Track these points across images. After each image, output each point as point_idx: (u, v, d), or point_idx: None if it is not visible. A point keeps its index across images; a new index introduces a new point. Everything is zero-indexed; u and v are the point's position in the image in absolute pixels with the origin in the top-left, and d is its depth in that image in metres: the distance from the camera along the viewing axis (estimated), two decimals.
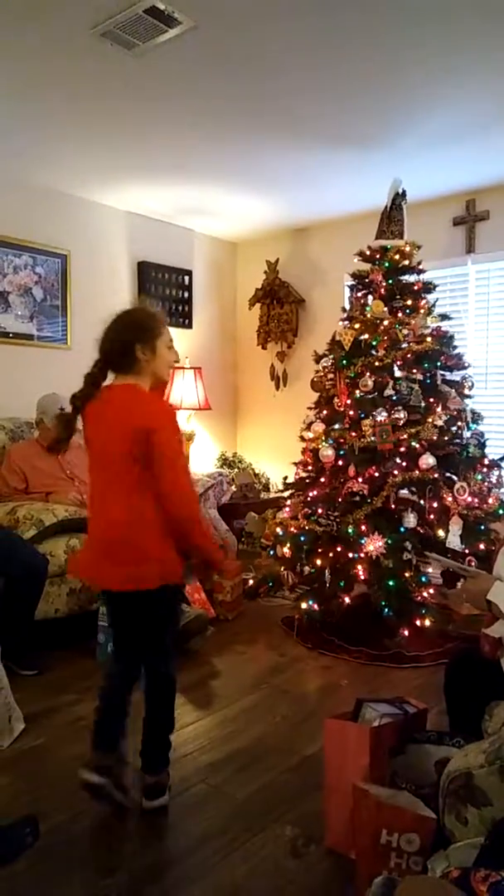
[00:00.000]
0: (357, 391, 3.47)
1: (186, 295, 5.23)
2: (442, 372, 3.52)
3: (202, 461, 5.24)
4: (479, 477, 3.39)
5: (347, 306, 3.87)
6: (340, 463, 3.45)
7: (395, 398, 3.38)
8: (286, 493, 3.87)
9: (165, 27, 2.53)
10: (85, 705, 2.74)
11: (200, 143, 3.61)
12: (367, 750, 1.80)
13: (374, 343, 3.51)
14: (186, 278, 5.21)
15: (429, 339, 3.46)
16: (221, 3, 2.39)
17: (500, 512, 3.37)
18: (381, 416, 3.31)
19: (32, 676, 2.97)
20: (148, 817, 2.01)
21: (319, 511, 3.51)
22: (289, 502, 3.76)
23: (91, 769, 1.98)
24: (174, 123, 3.37)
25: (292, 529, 3.54)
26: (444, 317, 3.62)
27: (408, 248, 3.62)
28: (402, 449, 3.29)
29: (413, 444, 3.27)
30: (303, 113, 3.25)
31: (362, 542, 3.19)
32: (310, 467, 3.67)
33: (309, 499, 3.58)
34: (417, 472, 3.24)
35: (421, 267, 3.66)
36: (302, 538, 3.48)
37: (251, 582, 4.05)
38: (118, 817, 2.00)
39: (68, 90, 3.04)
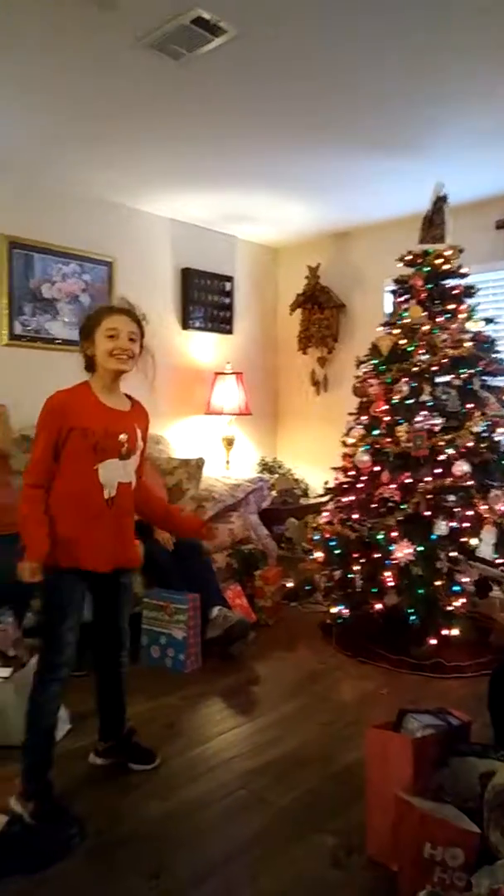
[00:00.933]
0: (394, 397, 3.46)
1: (228, 301, 5.26)
2: (483, 377, 3.48)
3: (242, 466, 5.26)
4: None
5: (388, 311, 3.86)
6: (377, 469, 3.44)
7: (430, 404, 3.36)
8: (325, 499, 3.87)
9: (211, 36, 2.56)
10: (130, 707, 2.76)
11: (243, 151, 3.64)
12: (410, 761, 1.79)
13: (409, 349, 3.50)
14: (228, 284, 5.25)
15: (467, 344, 3.42)
16: (265, 10, 2.41)
17: None
18: (416, 422, 3.29)
19: (77, 677, 3.02)
20: (189, 822, 2.04)
21: (355, 517, 3.51)
22: (328, 507, 3.76)
23: None
24: (218, 131, 3.40)
25: (326, 535, 3.56)
26: (487, 321, 3.57)
27: (448, 252, 3.58)
28: (438, 456, 3.26)
29: (448, 450, 3.24)
30: (345, 118, 3.25)
31: (391, 548, 3.18)
32: (349, 473, 3.66)
33: (345, 504, 3.59)
34: (450, 478, 3.20)
35: (462, 271, 3.62)
36: (332, 542, 3.49)
37: (290, 585, 4.06)
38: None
39: (114, 101, 3.10)
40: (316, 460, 5.22)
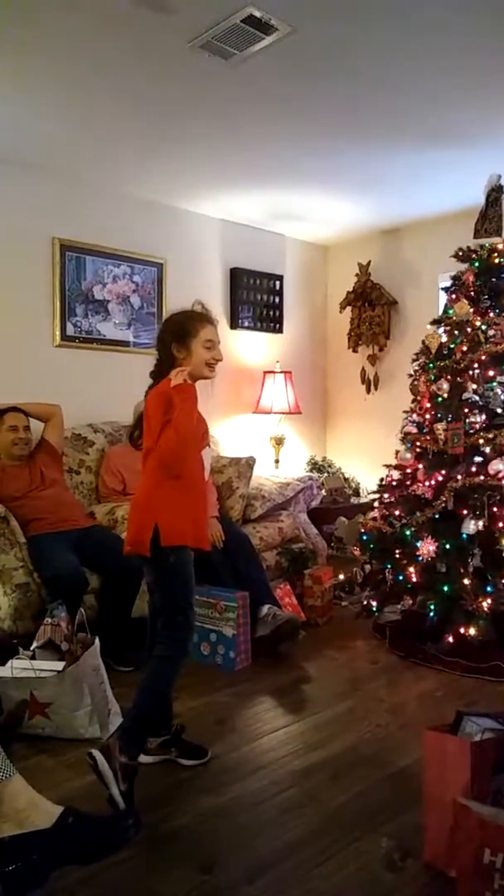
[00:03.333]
0: (438, 394, 3.44)
1: (277, 300, 5.25)
2: None
3: (292, 465, 5.24)
4: None
5: (441, 308, 3.79)
6: (421, 466, 3.44)
7: (471, 401, 3.32)
8: (374, 497, 3.84)
9: (262, 35, 2.56)
10: (179, 703, 2.78)
11: (293, 149, 3.63)
12: (469, 765, 1.74)
13: (452, 345, 3.46)
14: (277, 283, 5.24)
15: None
16: (316, 7, 2.40)
17: None
18: (452, 420, 3.29)
19: (129, 673, 3.05)
20: (241, 818, 2.03)
21: (397, 513, 3.51)
22: (375, 505, 3.75)
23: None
24: (268, 130, 3.40)
25: (362, 529, 3.62)
26: None
27: (502, 246, 3.48)
28: (478, 453, 3.21)
29: (486, 448, 3.19)
30: (395, 112, 3.20)
31: (418, 545, 3.20)
32: (403, 470, 3.62)
33: (388, 501, 3.60)
34: (482, 477, 3.15)
35: None
36: (365, 537, 3.53)
37: (342, 578, 4.03)
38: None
39: (165, 102, 3.12)
40: (366, 459, 5.16)
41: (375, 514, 3.67)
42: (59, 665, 2.47)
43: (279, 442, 5.00)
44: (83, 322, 4.17)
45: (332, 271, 5.67)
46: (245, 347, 5.09)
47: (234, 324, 4.98)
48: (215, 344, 2.23)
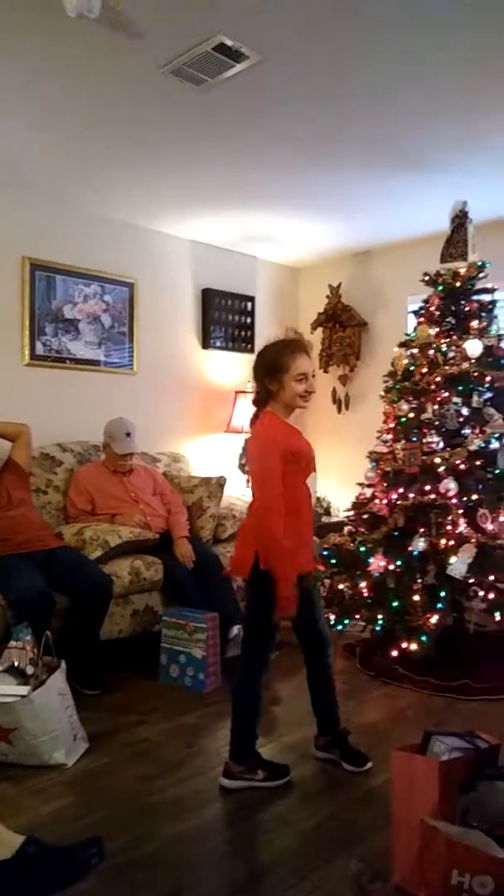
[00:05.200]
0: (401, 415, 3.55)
1: (249, 320, 5.28)
2: (490, 394, 3.44)
3: None
4: None
5: (410, 330, 3.86)
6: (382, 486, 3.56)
7: (429, 422, 3.42)
8: (347, 514, 3.89)
9: (233, 62, 2.60)
10: (148, 727, 2.76)
11: (264, 173, 3.67)
12: (437, 785, 1.74)
13: (412, 367, 3.54)
14: (249, 304, 5.27)
15: (467, 362, 3.39)
16: (285, 36, 2.44)
17: None
18: (410, 440, 3.43)
19: (96, 696, 3.01)
20: (210, 843, 1.99)
21: (360, 530, 3.61)
22: (347, 523, 3.82)
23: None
24: (239, 154, 3.44)
25: (324, 546, 3.70)
26: (499, 338, 3.52)
27: (463, 271, 3.56)
28: (432, 473, 3.31)
29: (442, 468, 3.28)
30: (366, 139, 3.26)
31: (370, 561, 3.34)
32: (369, 489, 3.70)
33: (352, 519, 3.71)
34: (434, 496, 3.24)
35: (478, 288, 3.59)
36: (325, 553, 3.62)
37: None
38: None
39: (137, 126, 3.15)
40: (337, 478, 5.18)
41: (345, 531, 3.72)
42: (24, 689, 2.41)
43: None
44: (53, 341, 4.15)
45: (303, 292, 5.72)
46: (216, 367, 5.11)
47: (206, 344, 4.99)
48: (308, 376, 2.30)
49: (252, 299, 5.30)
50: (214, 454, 5.02)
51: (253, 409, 2.40)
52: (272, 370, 2.30)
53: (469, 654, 3.32)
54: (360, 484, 3.75)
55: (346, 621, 3.52)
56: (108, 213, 4.32)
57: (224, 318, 5.09)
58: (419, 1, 2.25)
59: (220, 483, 4.06)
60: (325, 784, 2.34)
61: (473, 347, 3.38)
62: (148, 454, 4.29)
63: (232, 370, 5.20)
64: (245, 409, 4.90)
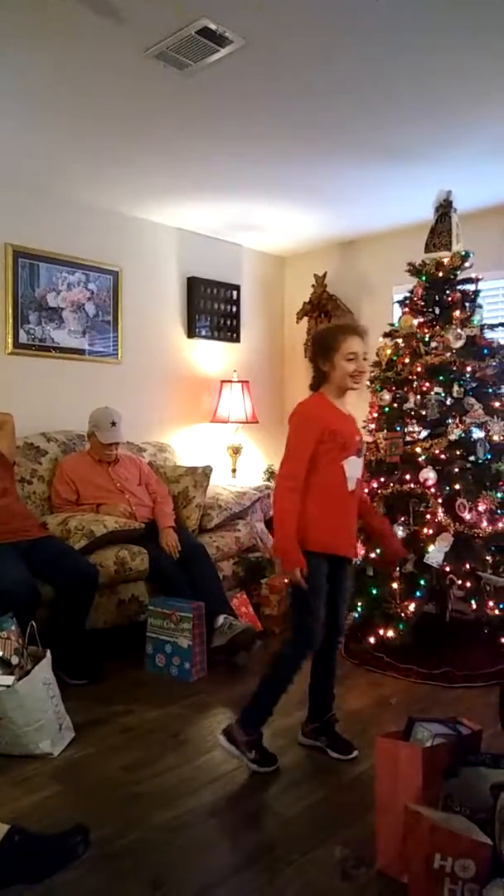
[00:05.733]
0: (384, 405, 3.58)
1: (234, 309, 5.26)
2: (472, 385, 3.44)
3: (249, 474, 5.24)
4: (500, 495, 3.32)
5: (395, 320, 3.86)
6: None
7: (411, 412, 3.46)
8: None
9: (217, 47, 2.57)
10: (134, 716, 2.76)
11: (249, 160, 3.65)
12: (420, 771, 1.76)
13: (394, 357, 3.56)
14: (234, 293, 5.25)
15: (448, 352, 3.40)
16: (271, 21, 2.42)
17: None
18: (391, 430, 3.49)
19: (82, 686, 3.00)
20: (195, 832, 2.00)
21: None
22: None
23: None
24: (224, 141, 3.41)
25: None
26: (484, 327, 3.52)
27: (446, 261, 3.56)
28: (413, 462, 3.35)
29: (422, 458, 3.31)
30: (351, 128, 3.25)
31: None
32: None
33: None
34: (413, 485, 3.28)
35: (462, 278, 3.58)
36: None
37: None
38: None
39: (120, 111, 3.11)
40: None
41: None
42: (9, 680, 2.40)
43: (236, 451, 5.00)
44: (36, 329, 4.11)
45: (289, 282, 5.71)
46: (202, 356, 5.09)
47: (192, 333, 4.97)
48: (359, 356, 2.32)
49: (238, 288, 5.27)
50: (200, 444, 5.01)
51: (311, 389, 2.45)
52: (324, 350, 2.34)
53: (451, 642, 3.35)
54: None
55: None
56: (92, 200, 4.27)
57: (209, 306, 5.07)
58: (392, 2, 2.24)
59: (206, 473, 4.05)
60: (310, 771, 2.36)
61: (455, 338, 3.38)
62: (133, 444, 4.27)
63: (218, 359, 5.18)
64: (230, 399, 4.90)
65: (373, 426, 3.62)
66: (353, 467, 2.35)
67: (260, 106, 3.05)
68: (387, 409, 3.55)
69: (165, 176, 3.89)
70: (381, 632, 3.23)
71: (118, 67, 2.73)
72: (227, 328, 5.22)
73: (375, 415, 3.61)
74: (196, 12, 2.38)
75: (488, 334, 3.52)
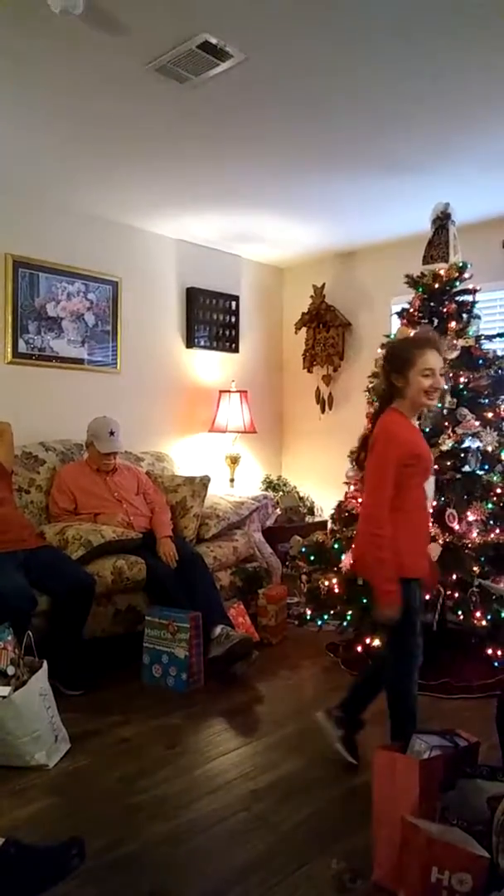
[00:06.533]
0: None
1: (233, 320, 5.28)
2: (465, 394, 3.45)
3: (247, 484, 5.25)
4: (489, 505, 3.32)
5: (393, 331, 3.88)
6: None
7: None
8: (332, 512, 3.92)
9: (217, 61, 2.60)
10: (130, 727, 2.75)
11: (249, 172, 3.67)
12: (417, 783, 1.76)
13: None
14: (233, 303, 5.27)
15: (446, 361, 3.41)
16: (271, 35, 2.44)
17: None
18: None
19: (78, 696, 2.99)
20: (191, 844, 1.99)
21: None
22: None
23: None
24: (224, 153, 3.44)
25: (303, 542, 3.83)
26: (479, 338, 3.52)
27: (443, 272, 3.58)
28: None
29: None
30: (351, 140, 3.27)
31: (342, 557, 3.42)
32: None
33: (335, 516, 3.77)
34: None
35: (459, 289, 3.59)
36: (303, 550, 3.71)
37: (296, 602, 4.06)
38: None
39: (121, 123, 3.13)
40: (321, 478, 5.20)
41: (328, 529, 3.78)
42: (5, 690, 2.39)
43: (234, 461, 5.00)
44: (36, 339, 4.12)
45: (287, 293, 5.73)
46: (201, 366, 5.10)
47: (190, 343, 4.99)
48: (435, 372, 2.24)
49: (236, 299, 5.30)
50: (198, 453, 5.01)
51: (379, 402, 2.40)
52: (399, 364, 2.26)
53: (449, 653, 3.35)
54: (347, 483, 3.78)
55: (325, 617, 3.54)
56: (92, 210, 4.30)
57: (208, 317, 5.09)
58: (402, 5, 2.26)
59: (204, 482, 4.05)
60: (307, 783, 2.35)
61: (450, 348, 3.40)
62: (132, 453, 4.27)
63: (216, 369, 5.20)
64: (228, 409, 4.91)
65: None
66: (430, 489, 2.35)
67: (260, 119, 3.08)
68: None
69: (165, 187, 3.92)
70: (368, 641, 3.26)
71: (119, 80, 2.75)
72: (225, 338, 5.24)
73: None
74: (197, 27, 2.40)
75: (486, 345, 3.53)
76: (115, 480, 3.73)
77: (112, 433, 3.69)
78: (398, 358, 2.28)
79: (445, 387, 3.38)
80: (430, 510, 2.32)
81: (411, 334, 3.58)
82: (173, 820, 2.11)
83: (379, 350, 3.73)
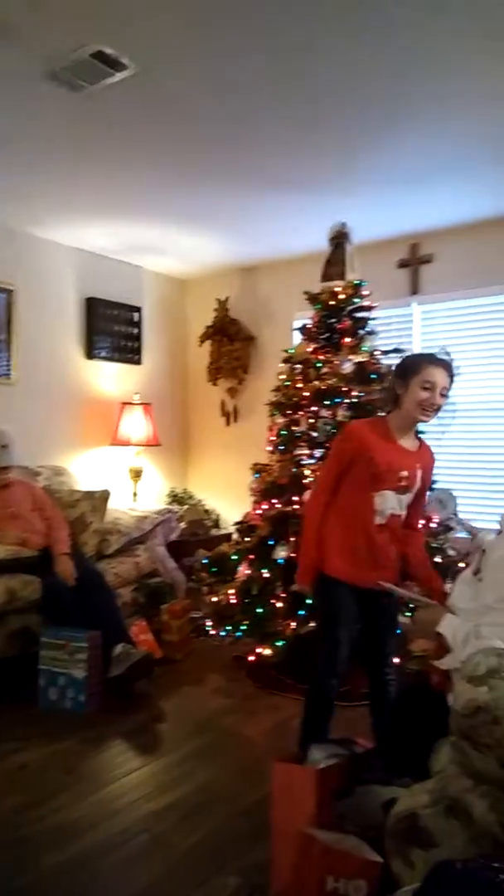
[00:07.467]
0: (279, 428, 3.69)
1: (136, 331, 5.22)
2: (361, 409, 3.55)
3: (151, 498, 5.18)
4: None
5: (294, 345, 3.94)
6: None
7: (302, 435, 3.56)
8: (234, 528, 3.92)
9: (112, 71, 2.57)
10: (27, 753, 2.63)
11: (146, 183, 3.65)
12: (314, 793, 1.76)
13: (286, 383, 3.68)
14: (136, 315, 5.21)
15: (335, 378, 3.50)
16: (164, 50, 2.44)
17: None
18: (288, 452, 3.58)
19: None
20: (84, 873, 1.92)
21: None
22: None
23: None
24: (120, 163, 3.40)
25: (206, 555, 3.90)
26: (372, 353, 3.62)
27: (338, 290, 3.68)
28: (300, 484, 3.44)
29: (306, 480, 3.42)
30: (249, 156, 3.31)
31: (238, 569, 3.53)
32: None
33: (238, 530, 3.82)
34: (298, 506, 3.37)
35: (354, 306, 3.68)
36: (205, 561, 3.78)
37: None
38: None
39: (14, 129, 3.03)
40: (227, 490, 5.21)
41: (232, 541, 3.81)
42: None
43: (137, 474, 4.92)
44: None
45: (190, 305, 5.73)
46: (102, 378, 5.00)
47: (91, 354, 4.88)
48: (435, 387, 2.18)
49: (139, 310, 5.24)
50: (100, 467, 4.90)
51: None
52: (403, 372, 2.25)
53: (350, 663, 3.40)
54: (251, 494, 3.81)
55: (228, 628, 3.55)
56: None
57: (110, 328, 5.00)
58: (289, 31, 2.31)
59: (104, 497, 3.96)
60: (204, 801, 2.32)
61: (345, 364, 3.50)
62: (28, 468, 4.12)
63: (118, 381, 5.11)
64: (131, 421, 4.83)
65: (269, 448, 3.69)
66: (387, 502, 2.24)
67: (155, 132, 3.07)
68: (284, 431, 3.62)
69: (62, 195, 3.83)
70: (259, 650, 3.33)
71: (11, 85, 2.67)
72: (128, 350, 5.16)
73: (273, 438, 3.68)
74: (90, 37, 2.36)
75: (384, 360, 3.64)
76: (7, 496, 3.58)
77: (4, 446, 3.54)
78: (405, 365, 2.28)
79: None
80: (381, 525, 2.25)
81: (310, 349, 3.66)
82: (69, 848, 2.03)
83: (280, 364, 3.79)
